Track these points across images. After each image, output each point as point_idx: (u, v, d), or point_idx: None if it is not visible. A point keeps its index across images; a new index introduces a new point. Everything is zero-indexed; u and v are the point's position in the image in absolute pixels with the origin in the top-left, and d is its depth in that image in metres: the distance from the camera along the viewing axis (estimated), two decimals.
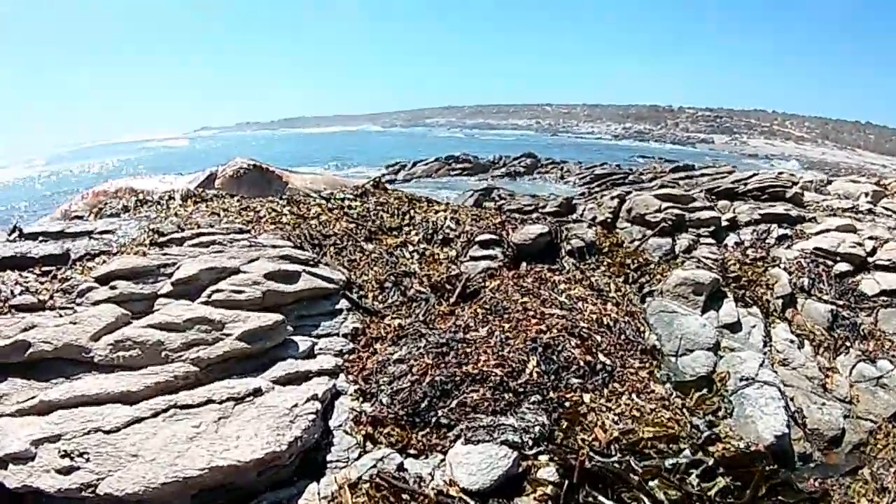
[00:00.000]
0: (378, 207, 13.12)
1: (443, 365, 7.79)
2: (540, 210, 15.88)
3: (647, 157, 49.58)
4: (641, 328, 9.68)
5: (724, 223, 14.32)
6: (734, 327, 10.07)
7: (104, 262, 9.90)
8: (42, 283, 9.55)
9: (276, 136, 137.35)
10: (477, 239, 11.79)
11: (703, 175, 20.69)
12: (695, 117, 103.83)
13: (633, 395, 7.91)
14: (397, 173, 32.50)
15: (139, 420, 6.21)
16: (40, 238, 11.14)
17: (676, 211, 13.92)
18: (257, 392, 6.81)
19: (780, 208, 15.05)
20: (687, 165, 32.08)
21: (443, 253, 11.64)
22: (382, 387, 7.63)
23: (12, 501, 5.71)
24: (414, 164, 33.75)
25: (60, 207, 19.65)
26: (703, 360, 9.07)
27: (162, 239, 10.49)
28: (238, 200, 13.76)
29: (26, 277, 9.75)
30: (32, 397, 6.58)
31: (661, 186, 17.57)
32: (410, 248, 11.64)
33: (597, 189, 24.73)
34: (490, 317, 9.12)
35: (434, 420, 7.15)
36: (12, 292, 9.15)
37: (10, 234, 11.70)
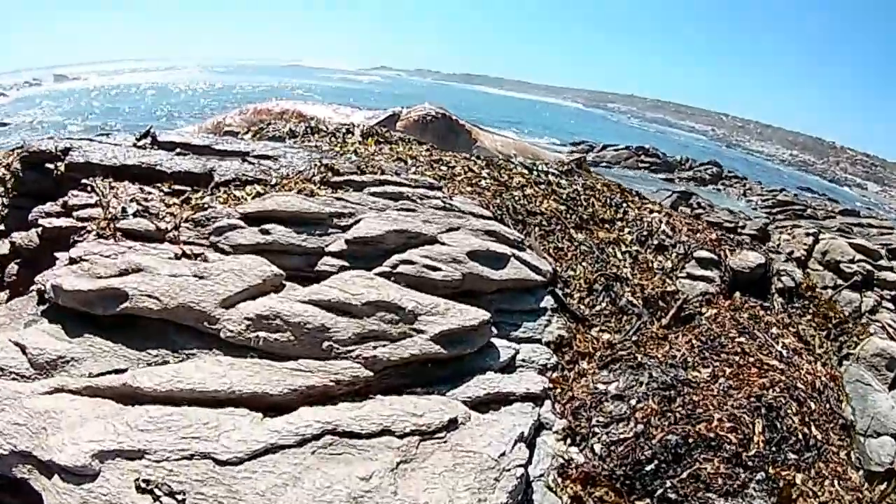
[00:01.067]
0: (588, 192, 11.01)
1: (669, 414, 6.32)
2: (739, 230, 14.71)
3: (812, 193, 46.62)
4: (840, 397, 8.19)
5: None
6: None
7: (258, 193, 8.08)
8: (168, 207, 7.59)
9: (455, 89, 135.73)
10: (695, 254, 9.97)
11: (870, 226, 20.68)
12: (853, 160, 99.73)
13: (835, 481, 6.67)
14: (586, 154, 30.15)
15: (276, 448, 4.18)
16: (178, 150, 9.23)
17: (868, 266, 13.20)
18: (452, 424, 4.82)
19: None
20: (851, 210, 29.56)
21: (656, 261, 9.74)
22: (596, 429, 6.08)
23: None
24: (603, 148, 31.81)
25: (212, 119, 18.30)
26: (888, 449, 7.38)
27: (336, 179, 8.61)
28: (427, 149, 11.82)
29: (149, 194, 7.83)
30: (115, 371, 4.80)
31: (840, 231, 17.36)
32: (623, 247, 9.65)
33: (780, 217, 23.36)
34: (707, 352, 7.64)
35: (660, 492, 5.65)
36: (124, 210, 7.21)
37: (139, 139, 9.86)
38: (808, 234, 14.76)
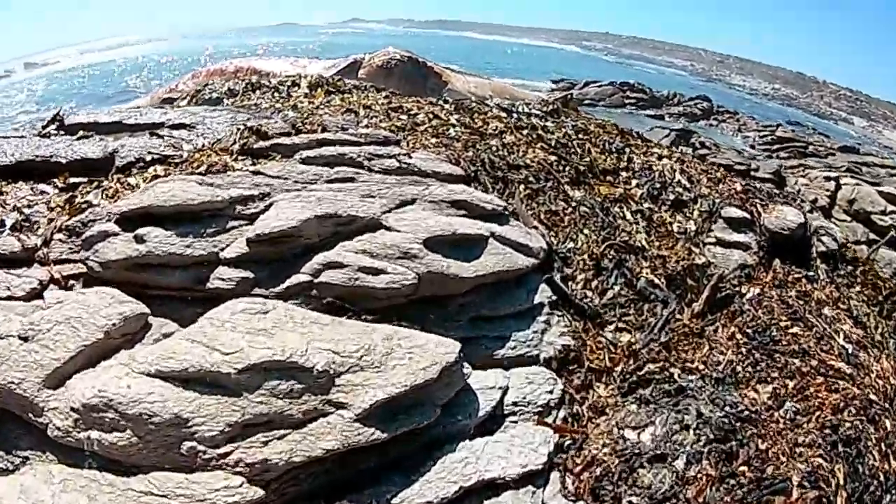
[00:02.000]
0: (581, 137, 8.96)
1: (733, 482, 4.54)
2: (752, 172, 12.60)
3: (802, 126, 44.94)
4: None
5: None
6: None
7: (155, 177, 6.16)
8: (51, 211, 5.85)
9: (429, 35, 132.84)
10: (723, 213, 8.09)
11: (874, 165, 18.60)
12: (837, 95, 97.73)
13: None
14: (568, 91, 28.14)
15: None
16: (81, 133, 7.56)
17: None
18: None
19: None
20: (850, 147, 27.90)
21: (676, 222, 7.79)
22: None
23: None
24: (585, 85, 29.72)
25: (163, 88, 16.52)
26: None
27: (262, 144, 6.74)
28: (386, 96, 9.84)
29: (42, 194, 6.21)
30: None
31: (850, 171, 15.27)
32: (633, 205, 7.68)
33: (783, 155, 21.92)
34: (758, 353, 6.19)
35: None
36: (2, 223, 5.66)
37: (45, 126, 8.30)
38: (827, 179, 13.34)
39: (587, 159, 8.12)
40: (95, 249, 4.91)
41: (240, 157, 6.48)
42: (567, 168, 7.81)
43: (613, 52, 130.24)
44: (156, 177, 6.16)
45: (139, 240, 4.82)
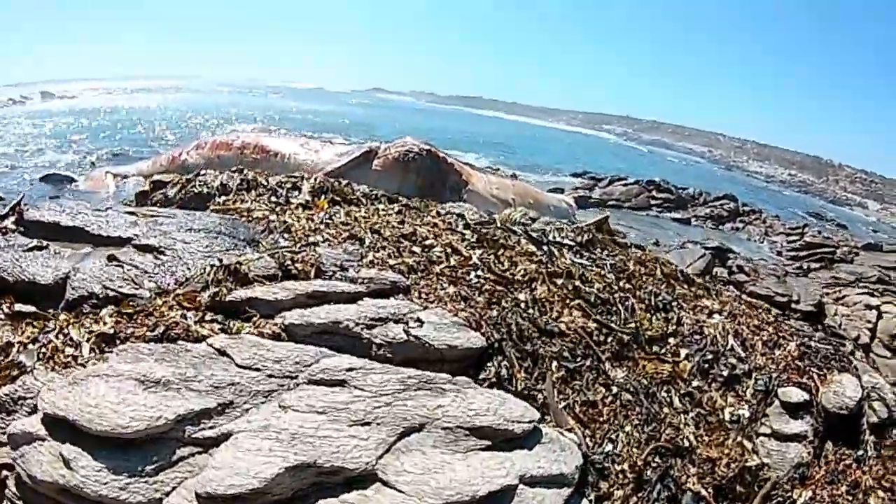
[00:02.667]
0: (624, 282, 7.75)
1: None
2: (793, 304, 11.69)
3: (820, 219, 43.93)
4: None
5: None
6: None
7: (101, 335, 4.96)
8: None
9: (450, 111, 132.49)
10: (781, 393, 6.75)
11: None
12: (852, 178, 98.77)
13: None
14: (591, 190, 27.17)
15: None
16: (35, 243, 6.38)
17: None
18: None
19: None
20: (874, 245, 26.51)
21: (728, 406, 6.45)
22: None
23: None
24: (610, 182, 28.55)
25: (167, 154, 15.29)
26: None
27: (236, 295, 5.50)
28: (399, 211, 8.80)
29: None
30: None
31: (881, 282, 15.75)
32: (681, 386, 6.36)
33: (815, 265, 20.97)
34: None
35: None
36: None
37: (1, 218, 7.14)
38: (868, 308, 12.40)
39: (632, 324, 6.74)
40: (22, 454, 3.69)
41: (208, 314, 5.24)
42: (609, 338, 6.46)
43: (633, 136, 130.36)
44: (101, 336, 4.92)
45: (66, 464, 3.53)
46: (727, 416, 6.30)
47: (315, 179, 9.34)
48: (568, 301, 6.81)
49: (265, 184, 9.18)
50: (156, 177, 11.24)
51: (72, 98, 73.62)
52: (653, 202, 26.92)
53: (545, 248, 8.15)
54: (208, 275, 5.72)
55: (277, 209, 8.25)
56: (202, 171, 9.78)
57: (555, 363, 5.90)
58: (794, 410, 6.65)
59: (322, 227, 7.57)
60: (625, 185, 28.17)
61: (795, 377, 7.07)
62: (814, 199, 70.98)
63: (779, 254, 23.00)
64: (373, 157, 13.76)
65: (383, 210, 8.78)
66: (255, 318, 5.22)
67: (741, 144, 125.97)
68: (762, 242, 25.27)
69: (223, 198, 8.88)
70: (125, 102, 66.39)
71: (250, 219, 7.83)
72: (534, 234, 8.49)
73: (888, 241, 35.47)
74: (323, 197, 8.83)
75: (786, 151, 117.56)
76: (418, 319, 5.51)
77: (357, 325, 5.21)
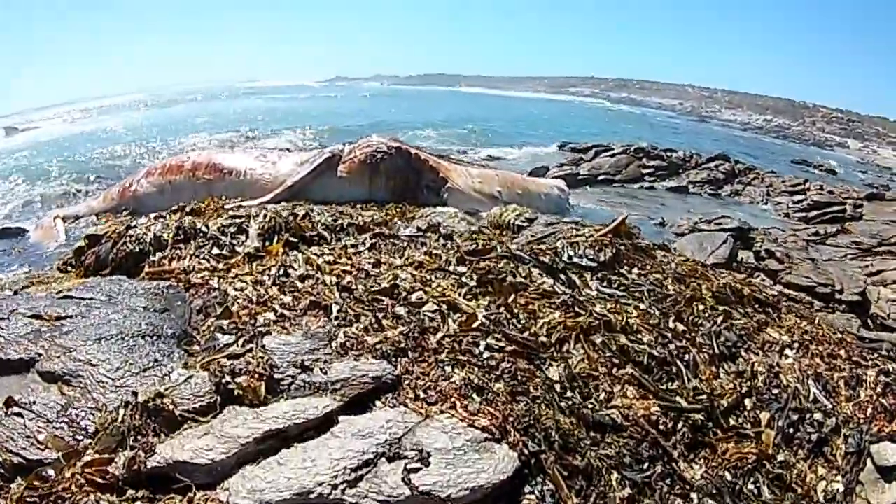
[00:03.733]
0: (674, 319, 6.10)
1: None
2: (837, 295, 10.98)
3: (808, 166, 42.39)
4: None
5: None
6: None
7: None
8: None
9: (413, 92, 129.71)
10: (875, 455, 5.19)
11: None
12: (829, 118, 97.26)
13: None
14: (578, 164, 25.65)
15: None
16: None
17: None
18: None
19: None
20: (876, 194, 25.27)
21: (818, 481, 4.97)
22: None
23: None
24: (595, 154, 26.86)
25: (118, 186, 13.54)
26: None
27: (159, 459, 3.83)
28: (373, 245, 7.20)
29: None
30: None
31: None
32: (768, 468, 4.83)
33: (827, 227, 19.46)
34: None
35: None
36: None
37: None
38: None
39: (702, 395, 5.05)
40: None
41: (128, 491, 3.62)
42: (678, 423, 4.75)
43: (601, 96, 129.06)
44: None
45: None
46: (821, 497, 4.84)
47: (264, 216, 7.49)
48: (615, 370, 5.07)
49: (205, 230, 7.42)
50: (91, 229, 9.58)
51: (36, 128, 70.73)
52: (644, 171, 25.47)
53: (563, 276, 6.51)
54: (122, 422, 3.98)
55: (220, 266, 6.61)
56: (133, 224, 7.98)
57: (615, 475, 4.18)
58: (889, 475, 5.13)
59: (275, 291, 5.82)
60: (612, 155, 26.58)
61: (886, 426, 5.54)
62: (794, 145, 70.33)
63: (786, 215, 21.55)
64: (336, 162, 12.01)
65: (352, 246, 7.10)
66: (189, 494, 3.53)
67: (711, 94, 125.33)
68: (766, 204, 23.83)
69: (159, 254, 7.22)
70: (89, 126, 63.52)
71: (188, 284, 6.25)
72: (545, 260, 6.76)
73: (880, 183, 36.02)
74: (276, 239, 7.14)
75: (757, 97, 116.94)
76: (420, 451, 3.76)
77: (334, 488, 3.48)
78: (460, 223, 8.94)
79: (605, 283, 6.54)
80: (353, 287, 5.84)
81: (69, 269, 8.54)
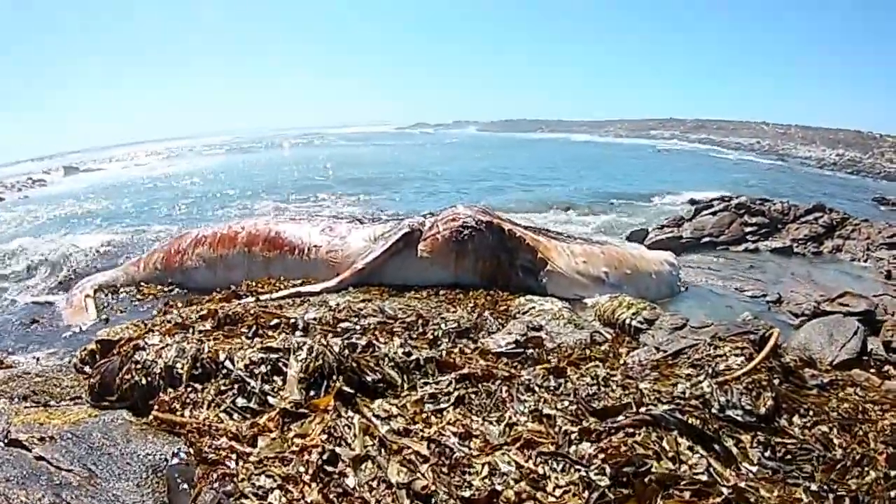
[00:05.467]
0: None
1: None
2: None
3: (886, 204, 39.64)
4: None
5: None
6: None
7: None
8: None
9: (494, 139, 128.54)
10: None
11: None
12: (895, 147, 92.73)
13: None
14: (680, 226, 23.79)
15: None
16: None
17: None
18: None
19: None
20: None
21: None
22: None
23: None
24: (696, 213, 24.83)
25: (161, 252, 12.12)
26: None
27: None
28: (459, 397, 5.05)
29: None
30: None
31: None
32: None
33: None
34: None
35: None
36: None
37: None
38: None
39: None
40: None
41: None
42: None
43: (682, 138, 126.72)
44: None
45: None
46: None
47: (309, 350, 5.28)
48: None
49: (229, 368, 5.33)
50: (103, 332, 7.89)
51: (98, 171, 70.34)
52: (747, 230, 23.56)
53: (716, 447, 4.48)
54: None
55: (244, 430, 4.56)
56: (142, 344, 5.91)
57: None
58: None
59: (315, 497, 3.79)
60: (713, 212, 24.72)
61: None
62: (869, 180, 68.19)
63: (888, 275, 19.10)
64: (416, 239, 10.11)
65: (431, 398, 5.01)
66: None
67: (785, 130, 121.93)
68: (866, 261, 21.36)
69: (170, 393, 5.26)
70: (157, 171, 62.90)
71: (199, 457, 4.34)
72: (694, 421, 4.67)
73: None
74: (325, 387, 5.03)
75: (828, 130, 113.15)
76: None
77: None
78: (566, 327, 7.51)
79: (767, 452, 4.59)
80: (433, 490, 3.79)
81: (86, 368, 6.97)
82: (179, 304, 9.20)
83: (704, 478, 4.05)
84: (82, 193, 40.62)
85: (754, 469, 4.34)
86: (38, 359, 8.67)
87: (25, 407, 5.76)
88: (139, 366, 5.62)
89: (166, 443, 4.70)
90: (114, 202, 33.57)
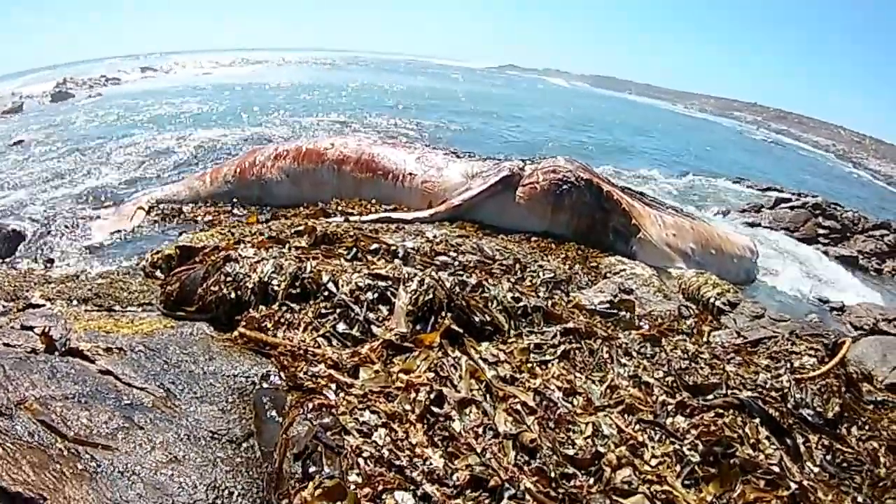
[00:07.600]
0: None
1: None
2: None
3: None
4: None
5: None
6: None
7: None
8: None
9: (580, 91, 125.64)
10: None
11: None
12: None
13: None
14: (759, 213, 23.78)
15: None
16: None
17: None
18: None
19: None
20: None
21: None
22: None
23: None
24: (776, 203, 24.51)
25: (232, 164, 11.75)
26: None
27: None
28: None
29: None
30: None
31: None
32: None
33: None
34: None
35: None
36: None
37: None
38: None
39: None
40: None
41: None
42: None
43: (763, 125, 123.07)
44: None
45: None
46: None
47: (419, 281, 5.23)
48: None
49: (332, 289, 5.20)
50: (185, 237, 7.92)
51: (169, 72, 69.51)
52: (819, 232, 23.31)
53: (788, 441, 4.53)
54: None
55: (345, 358, 4.45)
56: (234, 255, 5.69)
57: None
58: None
59: (420, 439, 3.72)
60: (791, 207, 24.42)
61: None
62: None
63: None
64: (515, 183, 10.02)
65: (536, 348, 4.96)
66: None
67: (860, 139, 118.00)
68: None
69: (262, 310, 5.08)
70: (220, 76, 61.83)
71: (293, 382, 4.18)
72: (774, 412, 4.67)
73: None
74: (432, 323, 4.94)
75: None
76: None
77: None
78: (656, 295, 7.44)
79: (829, 455, 4.57)
80: (539, 446, 3.78)
81: (157, 273, 6.79)
82: (266, 217, 9.22)
83: (777, 469, 4.10)
84: (156, 94, 40.08)
85: (816, 470, 4.36)
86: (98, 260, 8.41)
87: (87, 310, 5.37)
88: (229, 277, 5.39)
89: (254, 364, 4.34)
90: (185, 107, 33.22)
